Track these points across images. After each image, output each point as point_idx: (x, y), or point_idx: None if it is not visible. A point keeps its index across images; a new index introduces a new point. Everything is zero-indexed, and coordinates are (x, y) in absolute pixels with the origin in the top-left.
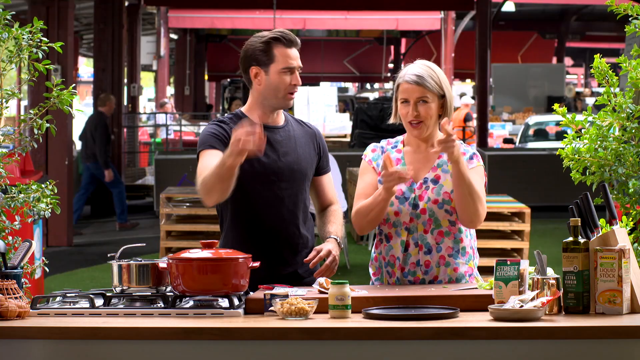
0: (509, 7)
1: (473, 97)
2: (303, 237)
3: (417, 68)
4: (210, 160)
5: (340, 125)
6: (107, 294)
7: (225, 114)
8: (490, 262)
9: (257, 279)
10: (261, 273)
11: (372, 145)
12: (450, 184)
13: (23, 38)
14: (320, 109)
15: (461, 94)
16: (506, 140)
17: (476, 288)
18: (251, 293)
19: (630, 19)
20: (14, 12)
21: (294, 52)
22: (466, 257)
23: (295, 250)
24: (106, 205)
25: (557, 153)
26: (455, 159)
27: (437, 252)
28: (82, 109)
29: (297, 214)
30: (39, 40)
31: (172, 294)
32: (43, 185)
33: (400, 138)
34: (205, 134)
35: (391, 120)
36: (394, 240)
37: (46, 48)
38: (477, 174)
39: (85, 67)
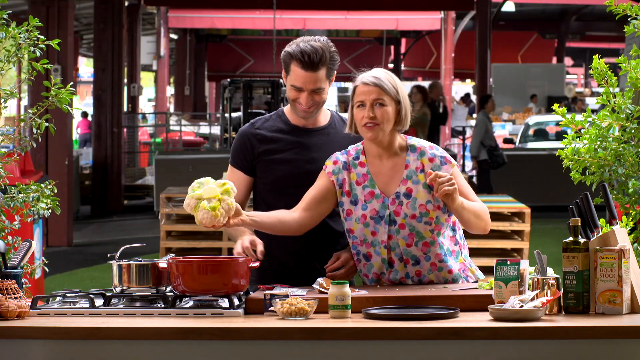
0: (509, 7)
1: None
2: (333, 236)
3: (375, 71)
4: (231, 179)
5: None
6: (107, 294)
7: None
8: (490, 262)
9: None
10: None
11: (333, 157)
12: (424, 195)
13: (20, 37)
14: None
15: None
16: (506, 140)
17: (476, 288)
18: (251, 293)
19: (629, 19)
20: (10, 12)
21: (308, 75)
22: (454, 255)
23: (328, 249)
24: (106, 205)
25: (557, 154)
26: (460, 205)
27: (426, 261)
28: (81, 108)
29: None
30: (36, 38)
31: (172, 294)
32: (42, 185)
33: (360, 146)
34: (234, 143)
35: (346, 131)
36: (374, 259)
37: (43, 46)
38: (460, 179)
39: (85, 67)
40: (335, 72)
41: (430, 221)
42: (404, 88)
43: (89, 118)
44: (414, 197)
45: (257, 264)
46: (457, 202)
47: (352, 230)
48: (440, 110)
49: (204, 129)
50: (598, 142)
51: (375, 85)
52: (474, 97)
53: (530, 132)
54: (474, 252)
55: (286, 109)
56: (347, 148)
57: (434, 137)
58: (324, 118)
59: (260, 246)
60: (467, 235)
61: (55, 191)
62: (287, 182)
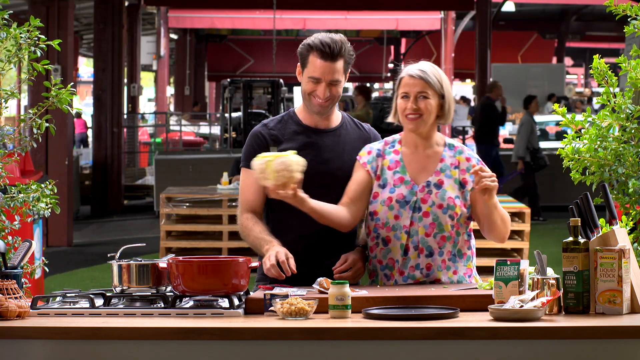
0: (509, 7)
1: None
2: (344, 240)
3: (422, 64)
4: (247, 181)
5: None
6: (107, 294)
7: (281, 113)
8: (490, 262)
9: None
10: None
11: (368, 147)
12: (454, 189)
13: (21, 37)
14: None
15: None
16: (506, 140)
17: (476, 288)
18: (251, 293)
19: (629, 19)
20: (12, 12)
21: (327, 65)
22: (464, 259)
23: (340, 252)
24: (106, 205)
25: (557, 153)
26: (494, 204)
27: (439, 255)
28: (81, 108)
29: None
30: (36, 38)
31: (172, 294)
32: (42, 185)
33: (397, 137)
34: (246, 144)
35: (390, 119)
36: (393, 243)
37: (44, 46)
38: None
39: (85, 67)
40: (350, 68)
41: (454, 216)
42: (449, 83)
43: (84, 117)
44: (444, 188)
45: (257, 263)
46: (493, 200)
47: (375, 213)
48: (499, 110)
49: (204, 129)
50: (598, 142)
51: (421, 78)
52: (472, 97)
53: None
54: None
55: (297, 109)
56: (358, 150)
57: (492, 137)
58: (336, 119)
59: (292, 260)
60: None
61: (55, 191)
62: (305, 183)
